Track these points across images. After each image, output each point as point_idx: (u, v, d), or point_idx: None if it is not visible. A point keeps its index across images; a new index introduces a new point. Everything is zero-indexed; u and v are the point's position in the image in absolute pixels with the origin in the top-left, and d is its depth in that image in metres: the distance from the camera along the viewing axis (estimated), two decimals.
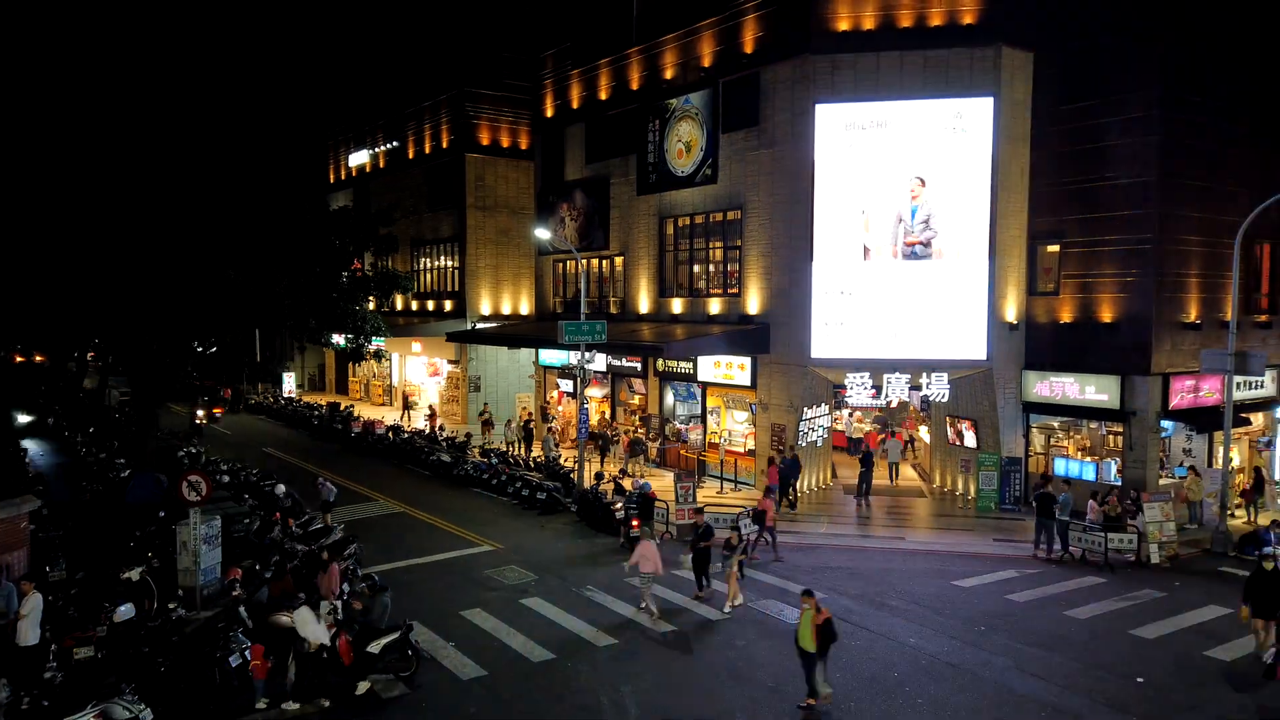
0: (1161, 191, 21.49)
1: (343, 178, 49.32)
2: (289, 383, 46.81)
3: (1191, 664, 13.79)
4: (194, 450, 27.78)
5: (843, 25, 22.99)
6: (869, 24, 22.88)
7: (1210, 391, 22.70)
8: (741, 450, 26.27)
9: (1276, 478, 24.96)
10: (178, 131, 24.94)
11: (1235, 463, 23.60)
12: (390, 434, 32.31)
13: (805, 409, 24.08)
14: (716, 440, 27.12)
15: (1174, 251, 21.96)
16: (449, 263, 40.12)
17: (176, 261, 22.61)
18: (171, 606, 13.89)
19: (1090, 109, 22.44)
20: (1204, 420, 22.39)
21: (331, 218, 29.73)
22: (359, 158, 47.18)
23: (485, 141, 38.69)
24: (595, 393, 32.10)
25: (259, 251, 23.93)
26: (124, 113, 24.19)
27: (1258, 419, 24.50)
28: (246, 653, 12.40)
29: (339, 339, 28.46)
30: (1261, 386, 23.90)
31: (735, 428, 27.07)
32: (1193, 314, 22.44)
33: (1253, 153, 23.29)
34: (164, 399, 28.39)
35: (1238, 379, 21.35)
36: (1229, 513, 20.75)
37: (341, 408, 38.78)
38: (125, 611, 13.24)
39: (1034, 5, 23.04)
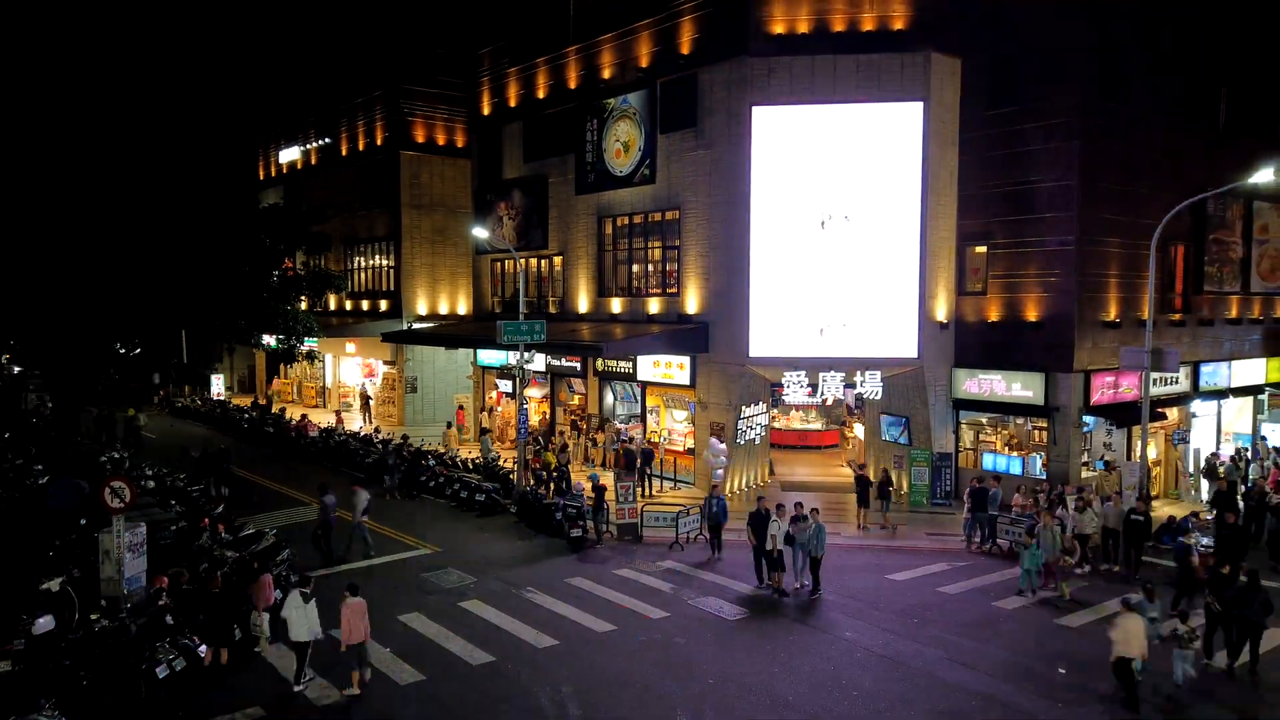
0: (1082, 195, 22.27)
1: (273, 175, 48.14)
2: (218, 384, 45.52)
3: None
4: (117, 455, 26.84)
5: (778, 29, 23.30)
6: (803, 28, 23.23)
7: (1129, 387, 23.61)
8: (681, 449, 26.45)
9: (1190, 470, 26.12)
10: (98, 124, 24.02)
11: (1152, 456, 24.63)
12: (324, 436, 31.66)
13: (743, 407, 24.35)
14: (656, 439, 27.24)
15: (1094, 253, 22.78)
16: (384, 262, 39.49)
17: (97, 260, 21.83)
18: (94, 617, 13.40)
19: (1015, 114, 23.13)
20: (1123, 415, 23.28)
21: (261, 215, 29.03)
22: (290, 154, 46.10)
23: (421, 139, 38.17)
24: (534, 393, 31.96)
25: (185, 249, 23.25)
26: (37, 100, 23.22)
27: (1172, 413, 25.55)
28: (175, 664, 12.04)
29: (270, 339, 27.80)
30: (1176, 382, 24.93)
31: (675, 426, 27.24)
32: (1112, 313, 23.31)
33: (1167, 158, 24.28)
34: (85, 402, 27.36)
35: (1154, 375, 22.22)
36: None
37: (273, 410, 37.87)
38: (45, 624, 12.72)
39: (961, 12, 23.65)
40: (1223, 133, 26.07)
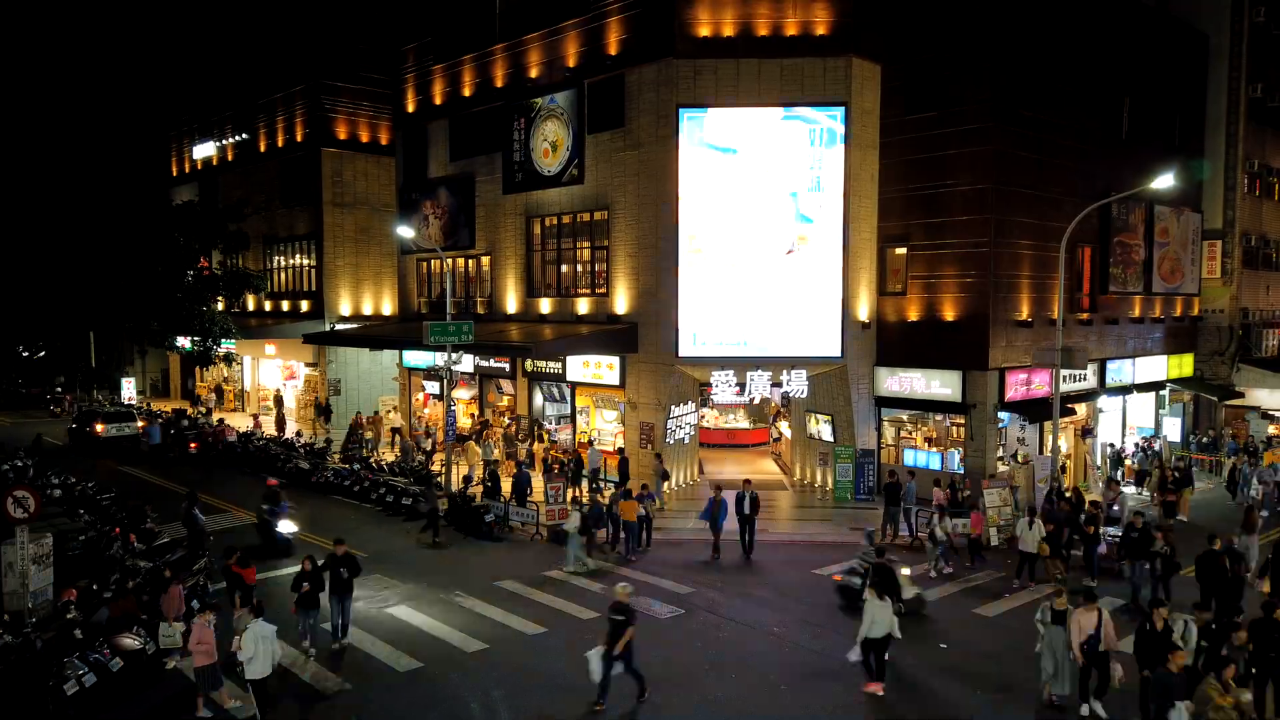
0: (996, 198, 23.05)
1: (187, 171, 46.46)
2: (129, 388, 43.75)
3: (1027, 640, 14.86)
4: (20, 463, 25.59)
5: (704, 31, 23.52)
6: (729, 31, 23.50)
7: (1040, 384, 24.53)
8: (611, 449, 26.47)
9: (1098, 463, 27.28)
10: None
11: (1063, 450, 25.64)
12: (242, 441, 30.71)
13: (673, 407, 24.51)
14: (586, 439, 27.21)
15: (1007, 254, 23.60)
16: (305, 261, 38.50)
17: None
18: None
19: (932, 120, 23.82)
20: (1035, 411, 24.19)
21: (174, 213, 28.12)
22: (205, 150, 44.53)
23: (343, 135, 37.35)
24: (463, 394, 31.60)
25: (91, 247, 22.32)
26: None
27: (1081, 409, 26.63)
28: (84, 679, 11.55)
29: (185, 341, 26.90)
30: (1085, 379, 26.00)
31: (605, 427, 27.25)
32: (1025, 312, 24.18)
33: (1076, 163, 25.32)
34: None
35: (1064, 372, 23.14)
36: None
37: (189, 413, 36.59)
38: None
39: (881, 20, 24.25)
40: (1126, 140, 27.32)
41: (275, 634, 11.92)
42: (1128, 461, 27.05)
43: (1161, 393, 30.01)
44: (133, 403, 42.36)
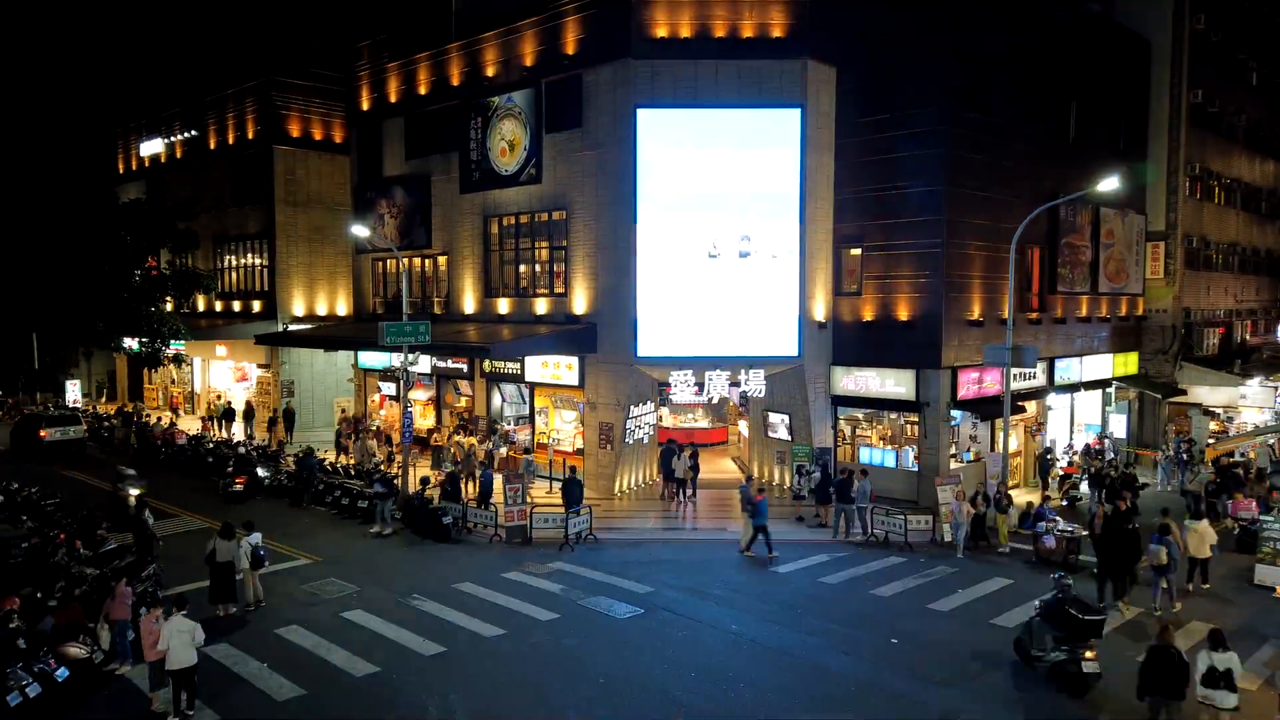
0: (948, 200, 23.42)
1: (134, 168, 45.36)
2: (74, 391, 42.62)
3: (980, 633, 15.18)
4: None
5: (661, 32, 23.59)
6: (686, 32, 23.60)
7: (991, 383, 25.00)
8: (570, 450, 26.44)
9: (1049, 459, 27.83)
10: None
11: (1013, 446, 26.16)
12: (193, 444, 30.08)
13: (632, 407, 24.54)
14: (545, 440, 27.14)
15: (959, 255, 24.01)
16: (257, 261, 37.84)
17: None
18: None
19: (886, 122, 24.14)
20: (986, 409, 24.65)
21: (121, 211, 27.42)
22: (153, 147, 43.52)
23: (296, 133, 36.77)
24: (420, 395, 31.30)
25: (33, 246, 21.71)
26: None
27: (1031, 406, 27.19)
28: (28, 690, 11.24)
29: (132, 343, 26.27)
30: (1034, 378, 26.54)
31: (564, 427, 27.20)
32: (976, 312, 24.62)
33: (1025, 166, 25.84)
34: None
35: (1014, 371, 23.61)
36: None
37: (138, 417, 35.73)
38: None
39: (836, 22, 24.50)
40: (1073, 144, 27.96)
41: (195, 628, 11.96)
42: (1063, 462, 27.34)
43: (1108, 390, 30.77)
44: (78, 405, 41.32)
